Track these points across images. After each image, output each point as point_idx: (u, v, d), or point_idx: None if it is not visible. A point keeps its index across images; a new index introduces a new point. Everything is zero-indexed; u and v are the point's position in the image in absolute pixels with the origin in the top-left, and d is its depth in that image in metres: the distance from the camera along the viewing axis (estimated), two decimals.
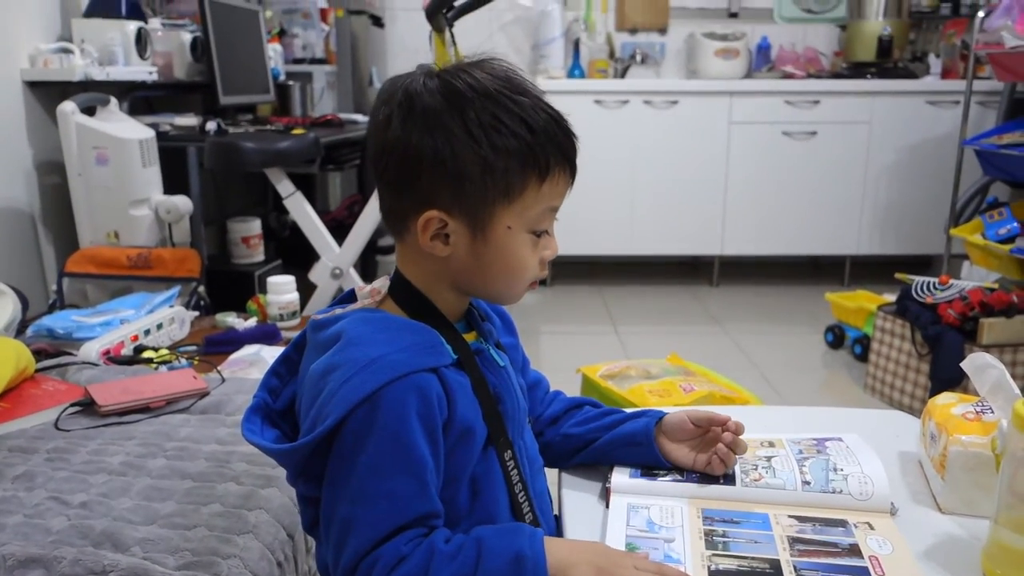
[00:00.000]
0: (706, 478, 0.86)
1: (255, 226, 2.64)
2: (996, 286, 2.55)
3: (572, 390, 1.02)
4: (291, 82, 3.30)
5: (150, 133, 2.28)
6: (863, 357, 2.88)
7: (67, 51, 2.26)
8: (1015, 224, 2.80)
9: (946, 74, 3.97)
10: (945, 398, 0.93)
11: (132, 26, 2.42)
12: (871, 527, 0.79)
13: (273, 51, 3.20)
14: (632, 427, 0.89)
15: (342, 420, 0.69)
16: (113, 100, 2.28)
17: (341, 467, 0.70)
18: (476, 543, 0.69)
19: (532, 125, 0.72)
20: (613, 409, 0.96)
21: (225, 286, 2.43)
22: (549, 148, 0.74)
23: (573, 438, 0.92)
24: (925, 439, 0.93)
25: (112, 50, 2.36)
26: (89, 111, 2.22)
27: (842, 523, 0.80)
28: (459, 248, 0.75)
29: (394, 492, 0.69)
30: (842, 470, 0.85)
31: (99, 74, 2.26)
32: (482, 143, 0.71)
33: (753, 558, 0.74)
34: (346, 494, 0.69)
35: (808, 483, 0.84)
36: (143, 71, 2.46)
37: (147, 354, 1.69)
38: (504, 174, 0.72)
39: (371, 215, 2.41)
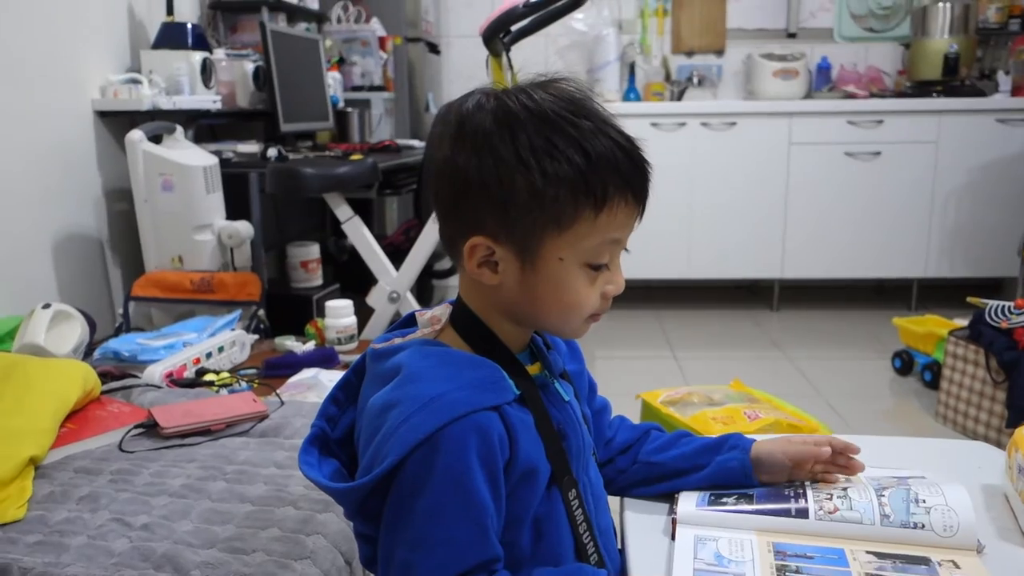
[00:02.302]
0: (777, 507, 0.82)
1: (314, 251, 2.68)
2: None
3: (631, 416, 1.00)
4: (349, 109, 3.35)
5: (214, 160, 2.33)
6: (933, 384, 2.77)
7: (136, 81, 2.33)
8: None
9: (1016, 91, 3.84)
10: None
11: (198, 56, 2.49)
12: (956, 566, 0.75)
13: (332, 79, 3.26)
14: (727, 465, 0.86)
15: (400, 462, 0.66)
16: (179, 128, 2.34)
17: (399, 511, 0.68)
18: None
19: (589, 151, 0.68)
20: (684, 433, 0.93)
21: (284, 310, 2.46)
22: (607, 176, 0.69)
23: (656, 466, 0.88)
24: (1012, 471, 0.88)
25: (178, 80, 2.43)
26: (156, 139, 2.28)
27: (925, 561, 0.75)
28: (508, 277, 0.72)
29: (453, 539, 0.66)
30: (924, 501, 0.80)
31: (166, 103, 2.33)
32: (532, 168, 0.68)
33: None
34: (404, 539, 0.67)
35: (887, 516, 0.79)
36: (208, 100, 2.53)
37: (208, 377, 1.72)
38: (554, 202, 0.68)
39: (427, 239, 2.41)
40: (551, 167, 0.68)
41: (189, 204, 2.24)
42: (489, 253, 0.71)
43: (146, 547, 1.01)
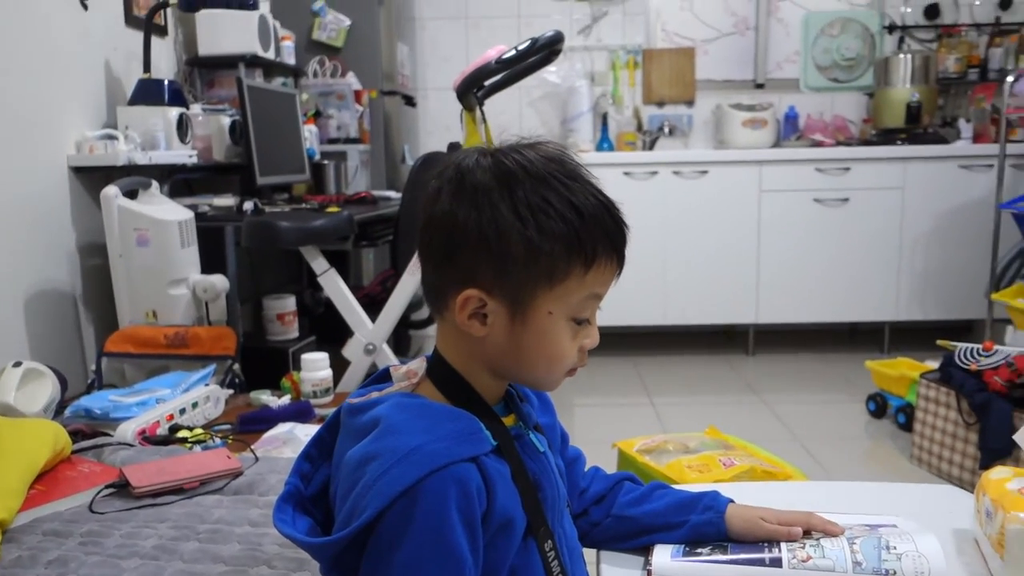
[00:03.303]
0: (752, 557, 0.83)
1: (290, 303, 2.67)
2: None
3: (607, 464, 1.00)
4: (326, 161, 3.38)
5: (189, 214, 2.33)
6: (907, 426, 2.79)
7: (112, 137, 2.34)
8: None
9: (977, 138, 3.96)
10: (999, 472, 0.89)
11: (174, 112, 2.51)
12: None
13: (309, 132, 3.29)
14: (702, 530, 0.87)
15: (379, 515, 0.66)
16: (154, 183, 2.35)
17: (377, 564, 0.67)
18: None
19: (581, 210, 0.71)
20: (659, 484, 0.93)
21: (260, 363, 2.44)
22: (597, 235, 0.72)
23: (629, 520, 0.89)
24: (980, 516, 0.89)
25: (155, 135, 2.45)
26: (131, 194, 2.28)
27: None
28: (496, 329, 0.73)
29: None
30: (895, 548, 0.81)
31: (142, 159, 2.33)
32: (528, 224, 0.70)
33: None
34: None
35: (859, 563, 0.80)
36: (184, 154, 2.54)
37: (182, 433, 1.70)
38: (549, 257, 0.71)
39: (404, 290, 2.42)
40: (547, 224, 0.70)
41: (164, 259, 2.23)
42: (481, 305, 0.72)
43: None
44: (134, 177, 2.31)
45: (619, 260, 0.75)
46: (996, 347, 2.46)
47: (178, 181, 2.76)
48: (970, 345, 2.50)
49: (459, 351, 0.77)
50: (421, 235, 0.76)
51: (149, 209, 2.25)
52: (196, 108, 2.77)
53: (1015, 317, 2.99)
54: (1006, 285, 3.20)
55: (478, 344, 0.75)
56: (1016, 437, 0.85)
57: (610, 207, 0.74)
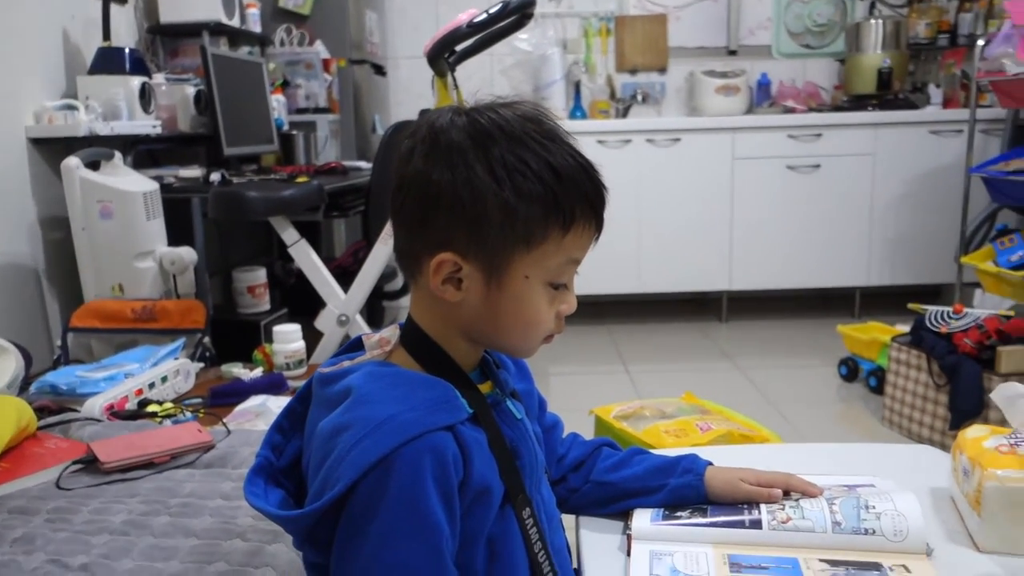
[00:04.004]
0: (731, 519, 0.82)
1: (260, 275, 2.63)
2: (1012, 313, 2.51)
3: (585, 432, 0.99)
4: (294, 131, 3.31)
5: (154, 186, 2.28)
6: (878, 389, 2.83)
7: (72, 107, 2.27)
8: None
9: (947, 104, 3.98)
10: (976, 431, 0.89)
11: (136, 81, 2.44)
12: (907, 570, 0.76)
13: (276, 102, 3.22)
14: (682, 493, 0.86)
15: (352, 486, 0.65)
16: (117, 154, 2.29)
17: (351, 536, 0.66)
18: None
19: (559, 171, 0.69)
20: (638, 450, 0.92)
21: (231, 336, 2.41)
22: (575, 197, 0.70)
23: (608, 486, 0.88)
24: (957, 474, 0.89)
25: (116, 105, 2.38)
26: (93, 166, 2.22)
27: (876, 566, 0.76)
28: (472, 295, 0.71)
29: (407, 562, 0.65)
30: (874, 507, 0.81)
31: (103, 129, 2.27)
32: (505, 185, 0.68)
33: None
34: (357, 565, 0.65)
35: (839, 523, 0.80)
36: (147, 125, 2.48)
37: (151, 408, 1.66)
38: (526, 220, 0.69)
39: (376, 260, 2.39)
40: (524, 185, 0.68)
41: (129, 231, 2.18)
42: (456, 270, 0.70)
43: None
44: (96, 148, 2.25)
45: (597, 223, 0.73)
46: (966, 310, 2.49)
47: (141, 152, 2.69)
48: (940, 308, 2.53)
49: (434, 317, 0.75)
50: (393, 197, 0.73)
51: (112, 181, 2.20)
52: (159, 77, 2.70)
53: (984, 280, 3.03)
54: (975, 248, 3.23)
55: (453, 310, 0.73)
56: (993, 395, 0.85)
57: (588, 168, 0.72)
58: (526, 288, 0.72)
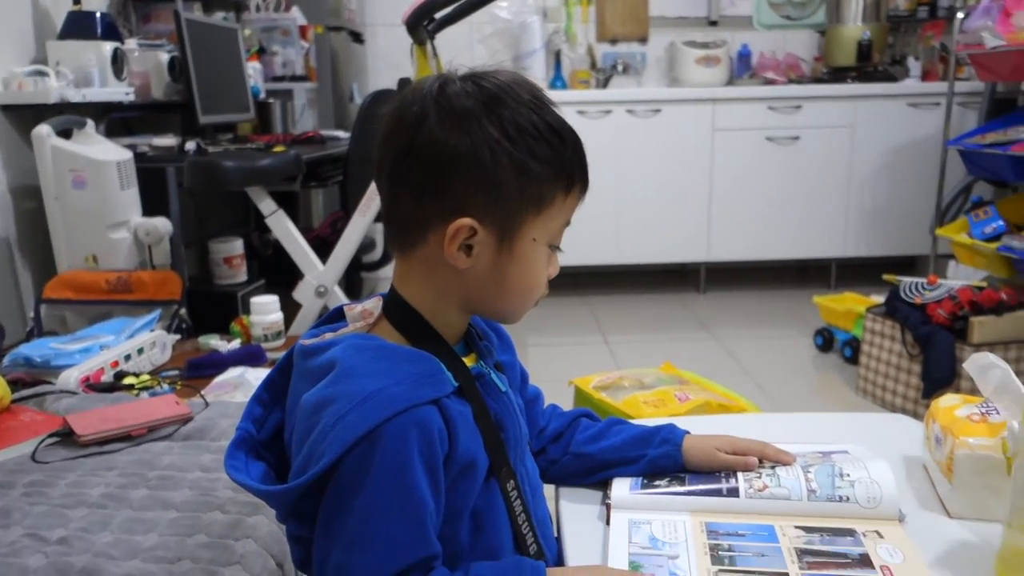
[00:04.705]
0: (709, 488, 0.83)
1: (237, 246, 2.60)
2: (984, 284, 2.55)
3: (564, 402, 1.00)
4: (271, 100, 3.27)
5: (128, 155, 2.24)
6: (853, 359, 2.86)
7: (42, 73, 2.22)
8: (1001, 222, 2.80)
9: (926, 76, 3.99)
10: (948, 400, 0.91)
11: (108, 47, 2.39)
12: (880, 535, 0.77)
13: (252, 69, 3.17)
14: (660, 463, 0.87)
15: (337, 461, 0.64)
16: (90, 122, 2.24)
17: (335, 510, 0.66)
18: None
19: (562, 134, 0.71)
20: (616, 420, 0.93)
21: (208, 308, 2.39)
22: (575, 160, 0.72)
23: (586, 457, 0.88)
24: (930, 442, 0.91)
25: (88, 71, 2.33)
26: (65, 134, 2.18)
27: (850, 532, 0.77)
28: (482, 260, 0.71)
29: (392, 537, 0.64)
30: (848, 475, 0.82)
31: (75, 96, 2.22)
32: (519, 147, 0.69)
33: (761, 572, 0.72)
34: (341, 539, 0.65)
35: (814, 491, 0.81)
36: (120, 92, 2.43)
37: (128, 380, 1.65)
38: (538, 181, 0.70)
39: (355, 231, 2.37)
40: (536, 147, 0.69)
41: (103, 201, 2.15)
42: (470, 235, 0.70)
43: (63, 562, 0.96)
44: (67, 116, 2.20)
45: (587, 186, 0.75)
46: (940, 281, 2.52)
47: (115, 120, 2.64)
48: (915, 279, 2.56)
49: (427, 287, 0.74)
50: (395, 164, 0.71)
51: (85, 149, 2.16)
52: (132, 43, 2.64)
53: (958, 252, 3.07)
54: (950, 220, 3.27)
55: (455, 277, 0.72)
56: (965, 366, 0.86)
57: (576, 133, 0.74)
58: (533, 250, 0.73)
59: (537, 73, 4.05)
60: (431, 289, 0.74)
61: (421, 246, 0.72)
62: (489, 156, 0.68)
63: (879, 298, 2.69)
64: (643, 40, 4.30)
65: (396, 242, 0.75)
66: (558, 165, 0.71)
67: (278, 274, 2.68)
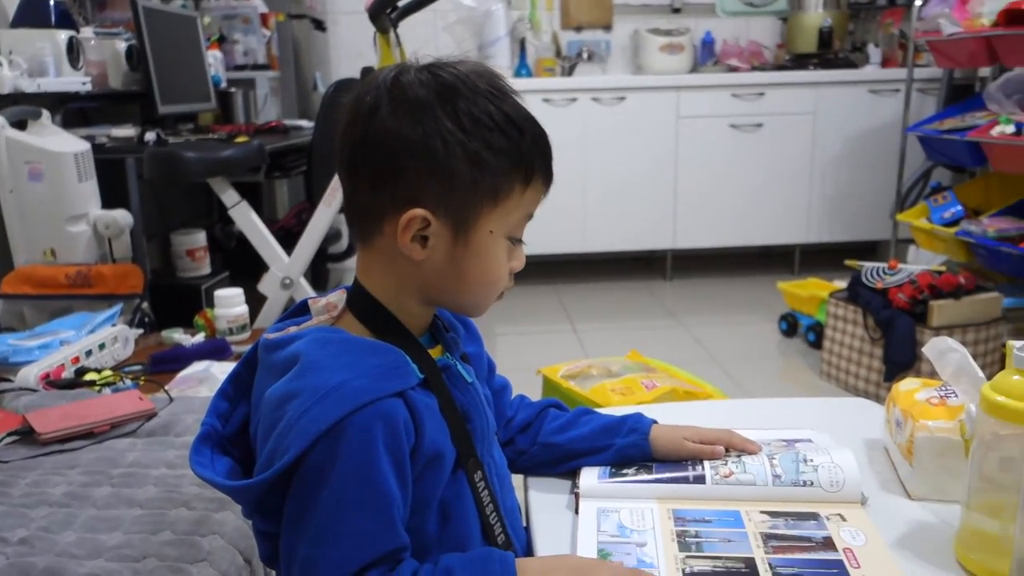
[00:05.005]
0: (676, 475, 0.84)
1: (200, 238, 2.57)
2: (943, 269, 2.60)
3: (532, 391, 1.00)
4: (233, 89, 3.22)
5: (85, 146, 2.19)
6: (817, 344, 2.91)
7: None
8: (959, 207, 2.86)
9: (885, 63, 4.05)
10: (908, 383, 0.93)
11: (63, 35, 2.34)
12: (843, 519, 0.78)
13: (213, 58, 3.12)
14: (627, 452, 0.87)
15: (302, 455, 0.64)
16: (45, 113, 2.19)
17: (302, 504, 0.65)
18: (446, 574, 0.65)
19: (520, 126, 0.70)
20: (585, 410, 0.93)
21: (171, 302, 2.35)
22: (535, 151, 0.71)
23: (555, 447, 0.89)
24: (890, 425, 0.93)
25: (42, 61, 2.27)
26: (20, 125, 2.13)
27: (814, 516, 0.79)
28: (437, 253, 0.71)
29: (358, 530, 0.64)
30: (812, 460, 0.84)
31: (29, 86, 2.17)
32: (474, 138, 0.68)
33: (727, 558, 0.73)
34: (307, 533, 0.65)
35: (779, 476, 0.82)
36: (76, 82, 2.38)
37: (89, 376, 1.62)
38: (493, 174, 0.69)
39: (320, 222, 2.35)
40: (491, 138, 0.68)
41: (60, 193, 2.10)
42: (424, 226, 0.69)
43: (24, 563, 0.95)
44: (22, 106, 2.15)
45: (550, 178, 0.74)
46: (900, 266, 2.57)
47: (72, 111, 2.59)
48: (876, 264, 2.60)
49: (388, 279, 0.73)
50: (351, 155, 0.71)
51: (41, 140, 2.10)
52: (88, 31, 2.58)
53: (918, 236, 3.12)
54: (910, 206, 3.32)
55: (413, 269, 0.72)
56: (924, 350, 0.88)
57: (539, 124, 0.73)
58: (490, 243, 0.72)
59: (502, 61, 4.04)
60: (392, 281, 0.73)
61: (379, 237, 0.72)
62: (442, 147, 0.68)
63: (842, 283, 2.74)
64: (607, 28, 4.30)
65: (356, 233, 0.75)
66: (515, 157, 0.70)
67: (243, 266, 2.65)
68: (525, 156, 0.71)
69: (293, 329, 0.74)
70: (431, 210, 0.69)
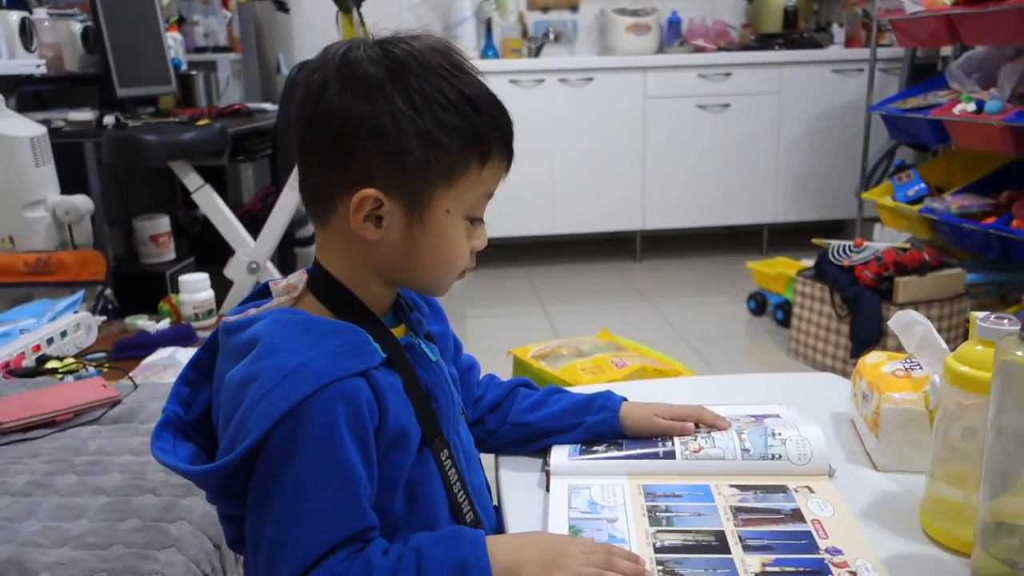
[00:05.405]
0: (646, 451, 0.84)
1: (163, 223, 2.52)
2: (908, 246, 2.64)
3: (503, 373, 0.99)
4: (194, 72, 3.16)
5: (42, 130, 2.14)
6: (785, 322, 2.94)
7: None
8: (922, 185, 2.89)
9: (849, 43, 4.08)
10: (874, 357, 0.94)
11: (15, 16, 2.28)
12: (811, 490, 0.79)
13: (172, 40, 3.06)
14: (597, 430, 0.87)
15: (264, 437, 0.63)
16: None
17: (266, 487, 0.65)
18: (416, 554, 0.64)
19: (476, 103, 0.68)
20: (555, 389, 0.93)
21: (135, 288, 2.31)
22: (491, 129, 0.69)
23: (525, 427, 0.88)
24: (857, 399, 0.94)
25: None
26: None
27: (782, 489, 0.79)
28: (392, 232, 0.69)
29: (325, 511, 0.64)
30: (780, 434, 0.84)
31: None
32: (425, 116, 0.66)
33: (698, 531, 0.73)
34: (273, 515, 0.64)
35: (748, 450, 0.83)
36: (30, 64, 2.32)
37: (51, 364, 1.59)
38: (447, 153, 0.67)
39: (286, 205, 2.32)
40: (444, 116, 0.67)
41: (16, 179, 2.05)
42: (376, 207, 0.68)
43: None
44: None
45: (510, 156, 0.73)
46: (866, 243, 2.60)
47: (27, 94, 2.52)
48: (842, 242, 2.63)
49: (346, 259, 0.72)
50: (303, 134, 0.70)
51: None
52: (41, 12, 2.52)
53: (883, 214, 3.16)
54: (875, 184, 3.36)
55: (370, 249, 0.71)
56: (890, 323, 0.89)
57: (499, 102, 0.71)
58: (447, 222, 0.70)
59: (468, 42, 4.00)
60: (349, 261, 0.72)
61: (333, 216, 0.71)
62: (392, 125, 0.66)
63: (809, 261, 2.77)
64: (574, 8, 4.28)
65: (311, 213, 0.73)
66: (469, 135, 0.68)
67: (208, 251, 2.61)
68: (480, 134, 0.69)
69: (253, 311, 0.73)
70: (383, 190, 0.68)
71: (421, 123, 0.66)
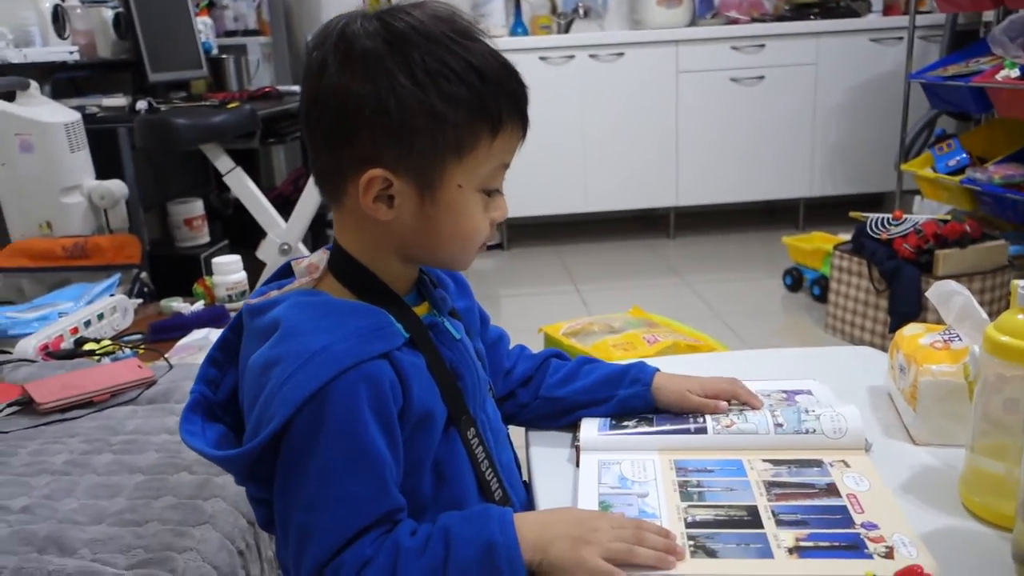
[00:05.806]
0: (677, 427, 0.83)
1: (197, 207, 2.55)
2: (949, 217, 2.57)
3: (535, 350, 0.98)
4: (224, 56, 3.17)
5: (76, 116, 2.17)
6: (822, 298, 2.89)
7: None
8: (964, 155, 2.82)
9: (888, 11, 3.97)
10: (912, 329, 0.91)
11: (48, 4, 2.31)
12: (847, 465, 0.77)
13: (203, 24, 3.08)
14: (630, 403, 0.86)
15: (287, 422, 0.63)
16: (34, 84, 2.16)
17: (292, 472, 0.64)
18: (444, 534, 0.64)
19: (482, 72, 0.65)
20: (586, 359, 0.92)
21: (170, 271, 2.35)
22: (501, 98, 0.67)
23: (557, 401, 0.87)
24: (894, 371, 0.91)
25: (28, 30, 2.24)
26: (8, 96, 2.10)
27: (817, 463, 0.78)
28: (405, 211, 0.68)
29: (351, 495, 0.63)
30: (813, 411, 0.83)
31: (15, 56, 2.15)
32: (429, 91, 0.64)
33: (730, 506, 0.72)
34: (300, 501, 0.64)
35: (781, 425, 0.81)
36: (63, 51, 2.35)
37: (88, 346, 1.62)
38: (454, 126, 0.65)
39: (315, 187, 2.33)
40: (448, 89, 0.64)
41: (53, 165, 2.08)
42: (386, 186, 0.67)
43: (27, 530, 0.95)
44: (9, 77, 2.12)
45: (524, 124, 0.70)
46: (905, 216, 2.54)
47: (61, 80, 2.56)
48: (880, 215, 2.57)
49: (363, 239, 0.71)
50: (307, 115, 0.68)
51: (30, 112, 2.08)
52: (73, 0, 2.54)
53: (923, 186, 3.09)
54: (914, 155, 3.28)
55: (384, 229, 0.69)
56: (928, 293, 0.86)
57: (509, 67, 0.69)
58: (460, 197, 0.69)
59: (497, 20, 3.97)
60: (366, 241, 0.71)
61: (345, 198, 0.69)
62: (395, 103, 0.64)
63: (846, 236, 2.71)
64: None
65: (324, 194, 0.72)
66: (477, 107, 0.66)
67: (241, 234, 2.64)
68: (488, 105, 0.66)
69: (274, 293, 0.72)
70: (391, 169, 0.66)
71: (425, 98, 0.64)
